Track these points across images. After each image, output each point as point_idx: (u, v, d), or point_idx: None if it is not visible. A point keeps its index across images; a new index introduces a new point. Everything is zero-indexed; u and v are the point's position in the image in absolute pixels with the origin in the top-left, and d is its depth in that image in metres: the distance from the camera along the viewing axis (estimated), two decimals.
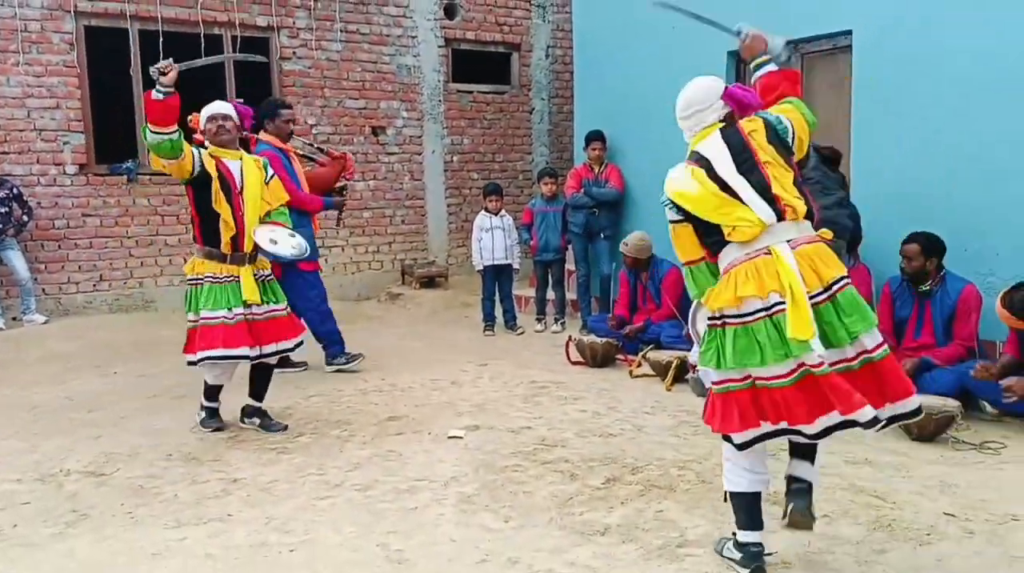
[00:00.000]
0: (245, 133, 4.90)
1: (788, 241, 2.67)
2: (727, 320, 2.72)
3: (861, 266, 5.61)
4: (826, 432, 2.64)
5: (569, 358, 6.30)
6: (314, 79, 9.04)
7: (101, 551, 3.12)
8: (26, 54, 7.69)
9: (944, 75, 5.44)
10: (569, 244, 7.66)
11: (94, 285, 8.14)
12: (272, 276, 4.67)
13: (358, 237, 9.43)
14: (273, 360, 4.71)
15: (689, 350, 5.53)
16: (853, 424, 2.58)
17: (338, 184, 6.33)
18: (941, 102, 5.46)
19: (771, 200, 2.70)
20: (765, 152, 2.76)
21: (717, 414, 2.77)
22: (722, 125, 2.87)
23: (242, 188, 4.45)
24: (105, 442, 4.46)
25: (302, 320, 5.40)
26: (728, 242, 2.74)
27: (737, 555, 2.83)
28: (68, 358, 6.64)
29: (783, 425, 2.66)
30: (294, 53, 8.92)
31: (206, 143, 4.54)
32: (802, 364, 2.59)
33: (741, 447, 2.74)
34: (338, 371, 5.98)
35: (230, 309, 4.38)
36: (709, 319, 2.79)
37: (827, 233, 2.79)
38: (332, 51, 9.13)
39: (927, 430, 4.27)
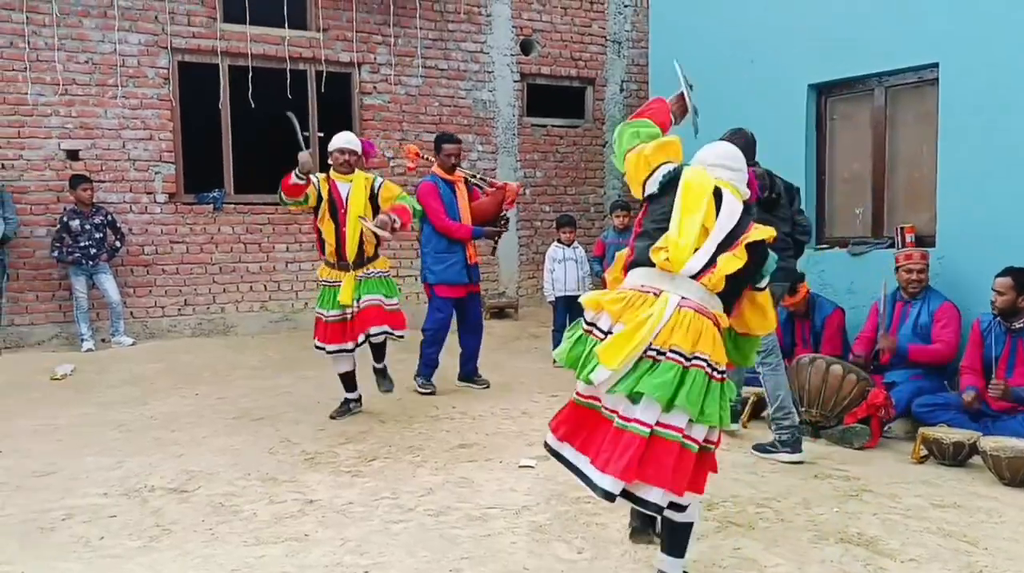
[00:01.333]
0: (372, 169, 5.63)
1: (683, 298, 2.67)
2: (584, 325, 2.81)
3: (947, 303, 5.40)
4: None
5: None
6: (393, 113, 9.27)
7: (183, 566, 3.20)
8: (123, 87, 8.09)
9: None
10: None
11: (179, 310, 8.43)
12: (383, 274, 5.38)
13: None
14: (379, 338, 5.36)
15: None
16: (587, 480, 2.69)
17: (500, 214, 6.50)
18: None
19: (709, 263, 2.71)
20: (739, 248, 2.75)
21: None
22: (744, 202, 2.89)
23: (347, 208, 5.19)
24: (187, 460, 4.59)
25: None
26: (642, 266, 2.82)
27: None
28: (152, 379, 6.87)
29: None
30: (375, 88, 9.17)
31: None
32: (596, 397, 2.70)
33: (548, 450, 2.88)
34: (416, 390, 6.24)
35: (330, 309, 5.25)
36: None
37: (723, 318, 2.78)
38: (411, 86, 9.35)
39: (1020, 474, 4.08)
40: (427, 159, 6.50)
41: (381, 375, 5.62)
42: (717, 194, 2.82)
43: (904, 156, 6.34)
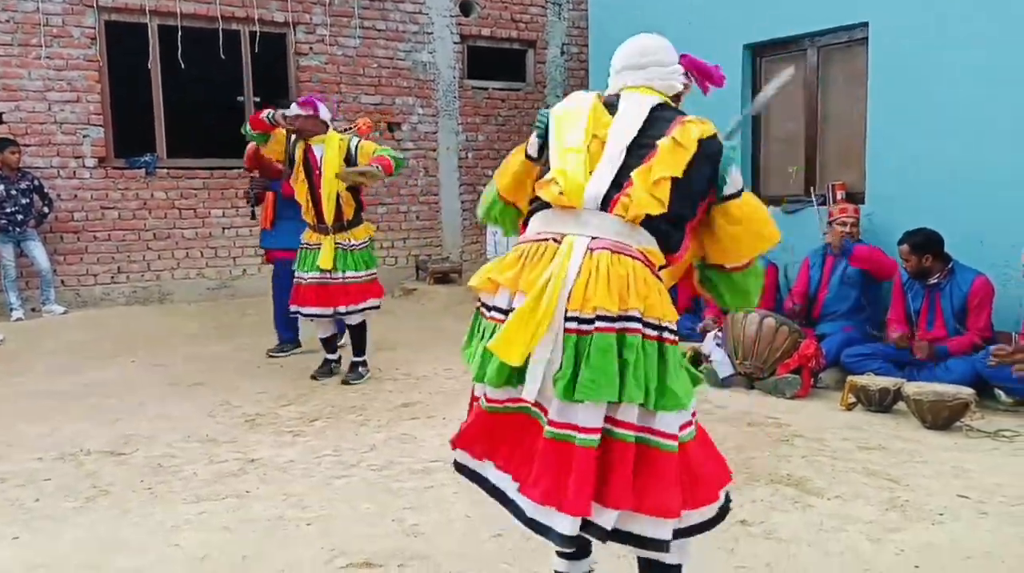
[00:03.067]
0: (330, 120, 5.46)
1: (593, 238, 1.94)
2: (482, 309, 2.08)
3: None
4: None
5: None
6: (330, 75, 9.11)
7: (121, 523, 3.17)
8: (48, 48, 7.79)
9: (961, 67, 5.45)
10: None
11: (112, 277, 8.23)
12: (360, 246, 5.33)
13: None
14: (354, 319, 5.37)
15: (701, 342, 5.54)
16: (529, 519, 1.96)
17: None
18: (958, 95, 5.47)
19: (617, 185, 1.98)
20: (667, 153, 1.99)
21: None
22: (665, 100, 2.19)
23: (321, 170, 5.19)
24: (124, 425, 4.52)
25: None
26: (537, 211, 2.10)
27: None
28: (86, 348, 6.71)
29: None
30: (311, 49, 9.00)
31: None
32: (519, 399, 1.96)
33: (457, 469, 2.18)
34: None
35: (307, 272, 5.26)
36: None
37: (657, 255, 1.99)
38: (348, 47, 9.20)
39: (941, 417, 4.27)
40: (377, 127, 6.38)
41: (352, 367, 5.49)
42: (610, 105, 2.15)
43: (836, 115, 6.49)
